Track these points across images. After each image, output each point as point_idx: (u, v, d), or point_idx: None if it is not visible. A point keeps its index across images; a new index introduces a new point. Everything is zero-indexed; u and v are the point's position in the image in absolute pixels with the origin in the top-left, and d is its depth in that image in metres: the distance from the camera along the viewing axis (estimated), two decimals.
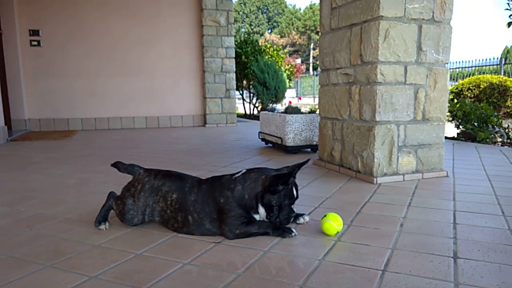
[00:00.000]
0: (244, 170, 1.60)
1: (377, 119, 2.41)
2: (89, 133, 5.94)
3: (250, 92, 9.21)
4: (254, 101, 9.29)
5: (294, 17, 40.90)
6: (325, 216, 1.58)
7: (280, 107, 8.23)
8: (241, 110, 10.49)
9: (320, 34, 3.03)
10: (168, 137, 5.37)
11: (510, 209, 1.89)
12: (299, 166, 1.57)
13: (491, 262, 1.31)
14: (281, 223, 1.56)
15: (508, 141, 4.79)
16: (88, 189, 2.39)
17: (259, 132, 4.32)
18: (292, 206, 1.60)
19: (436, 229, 1.63)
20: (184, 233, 1.59)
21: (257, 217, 1.56)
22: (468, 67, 12.21)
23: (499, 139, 4.73)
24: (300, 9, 43.33)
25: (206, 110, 6.95)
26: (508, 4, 3.90)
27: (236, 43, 8.69)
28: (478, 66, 11.93)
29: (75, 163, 3.34)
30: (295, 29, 39.48)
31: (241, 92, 9.45)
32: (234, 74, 7.10)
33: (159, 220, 1.63)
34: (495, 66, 11.13)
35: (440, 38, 2.48)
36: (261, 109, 8.82)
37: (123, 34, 6.54)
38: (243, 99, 9.76)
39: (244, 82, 9.03)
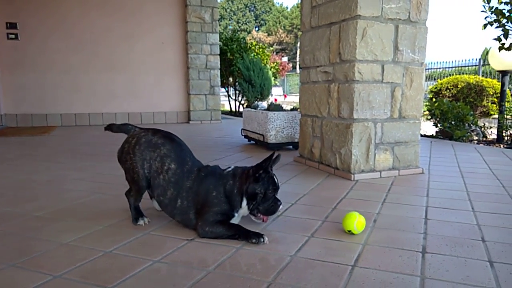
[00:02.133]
0: (233, 167, 1.60)
1: (355, 116, 2.43)
2: (68, 129, 5.82)
3: (235, 90, 9.19)
4: (239, 98, 9.27)
5: (281, 16, 40.92)
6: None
7: (265, 104, 8.22)
8: (227, 107, 10.46)
9: (301, 32, 3.03)
10: None
11: (479, 205, 1.93)
12: (271, 157, 1.53)
13: (457, 256, 1.34)
14: (266, 212, 1.55)
15: (484, 139, 4.91)
16: (63, 186, 2.34)
17: (242, 129, 4.31)
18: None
19: (407, 225, 1.65)
20: (165, 211, 1.60)
21: (236, 215, 1.55)
22: (449, 67, 12.47)
23: (475, 137, 4.84)
24: (287, 8, 43.37)
25: (190, 107, 6.90)
26: (483, 6, 3.97)
27: (222, 40, 8.65)
28: (458, 67, 12.19)
29: (52, 159, 3.27)
30: (282, 28, 39.50)
31: (226, 89, 9.43)
32: (219, 71, 7.07)
33: (150, 179, 1.57)
34: (475, 67, 11.38)
35: (416, 38, 2.51)
36: (247, 106, 8.80)
37: (105, 29, 6.42)
38: (229, 96, 9.72)
39: (230, 79, 9.00)
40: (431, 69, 13.81)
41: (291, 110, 3.90)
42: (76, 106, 6.42)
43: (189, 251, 1.39)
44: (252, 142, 4.16)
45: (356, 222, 1.52)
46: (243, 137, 4.32)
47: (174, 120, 7.05)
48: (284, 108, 3.97)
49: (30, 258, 1.32)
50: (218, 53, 6.97)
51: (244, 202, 1.53)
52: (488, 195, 2.12)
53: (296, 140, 3.64)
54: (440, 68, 12.98)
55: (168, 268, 1.25)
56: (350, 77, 2.42)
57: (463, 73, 9.71)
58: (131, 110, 6.70)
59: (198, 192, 1.53)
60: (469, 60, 11.70)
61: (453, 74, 10.70)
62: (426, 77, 13.88)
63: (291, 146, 3.74)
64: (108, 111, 6.58)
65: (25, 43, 6.06)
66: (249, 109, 4.17)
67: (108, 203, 1.97)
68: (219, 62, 7.02)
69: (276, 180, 1.57)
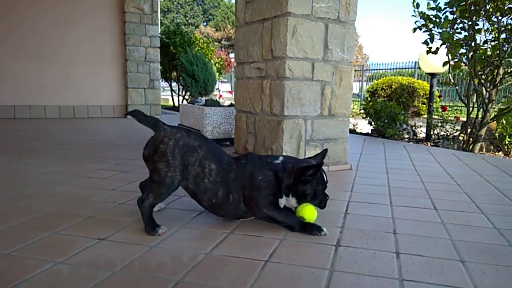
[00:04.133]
0: (282, 158, 1.60)
1: (286, 113, 2.46)
2: None
3: (179, 84, 8.98)
4: (183, 93, 9.08)
5: (230, 11, 40.72)
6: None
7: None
8: (171, 102, 10.19)
9: (235, 27, 3.01)
10: (82, 128, 5.01)
11: (397, 199, 2.04)
12: (323, 156, 1.63)
13: (368, 249, 1.39)
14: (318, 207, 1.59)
15: (414, 137, 5.25)
16: None
17: (179, 125, 4.20)
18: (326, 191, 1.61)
19: (327, 219, 1.69)
20: (219, 213, 1.57)
21: (282, 201, 1.55)
22: (389, 69, 13.21)
23: (406, 136, 5.17)
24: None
25: (128, 101, 6.62)
26: (414, 11, 4.23)
27: (165, 33, 8.40)
28: (397, 69, 12.95)
29: None
30: (231, 24, 39.36)
31: (169, 83, 9.19)
32: (159, 64, 6.85)
33: (193, 188, 1.50)
34: (412, 69, 12.13)
35: (345, 37, 2.60)
36: (190, 102, 8.65)
37: (35, 15, 5.93)
38: (172, 91, 9.48)
39: (174, 73, 8.78)
40: (372, 70, 14.56)
41: (229, 106, 3.88)
42: (0, 98, 5.86)
43: (97, 251, 1.30)
44: None
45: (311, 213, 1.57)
46: None
47: (111, 115, 6.71)
48: (226, 104, 3.93)
49: None
50: (159, 45, 6.75)
51: (291, 198, 1.55)
52: (407, 190, 2.25)
53: (233, 136, 3.62)
54: (380, 69, 13.71)
55: (70, 270, 1.16)
56: (281, 74, 2.44)
57: (402, 75, 10.31)
58: (63, 103, 6.27)
59: (241, 178, 1.52)
60: (406, 62, 12.46)
61: (394, 76, 11.34)
62: (368, 78, 14.61)
63: (228, 142, 3.71)
64: (37, 104, 6.10)
65: None
66: (186, 104, 4.08)
67: (17, 202, 1.80)
68: (159, 55, 6.81)
69: (325, 178, 1.58)
